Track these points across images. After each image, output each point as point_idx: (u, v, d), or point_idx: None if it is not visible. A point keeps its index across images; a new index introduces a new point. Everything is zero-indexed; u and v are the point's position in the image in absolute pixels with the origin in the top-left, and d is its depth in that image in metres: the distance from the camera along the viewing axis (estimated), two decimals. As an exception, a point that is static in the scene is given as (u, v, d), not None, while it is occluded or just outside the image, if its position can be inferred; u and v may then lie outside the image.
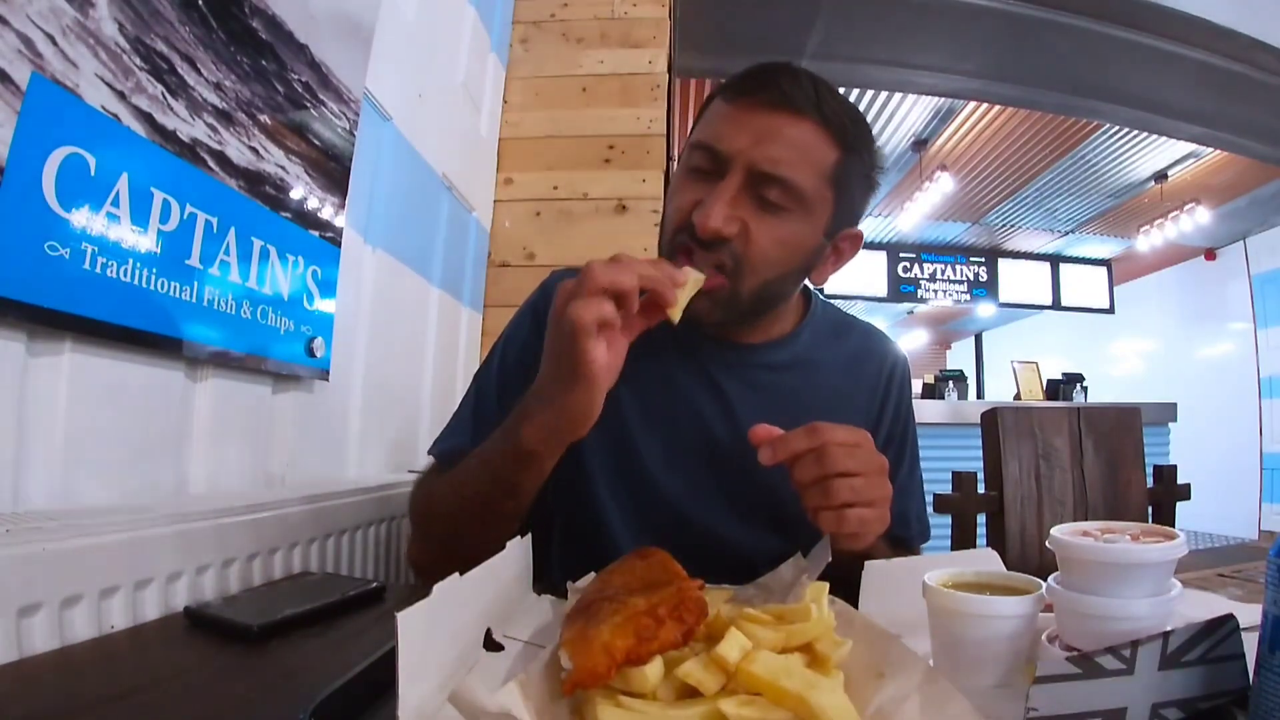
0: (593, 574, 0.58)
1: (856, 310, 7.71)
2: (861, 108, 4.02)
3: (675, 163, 2.01)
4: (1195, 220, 5.15)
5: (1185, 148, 4.29)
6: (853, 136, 0.72)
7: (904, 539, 0.84)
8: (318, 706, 0.38)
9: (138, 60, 0.71)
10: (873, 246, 6.40)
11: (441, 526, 0.75)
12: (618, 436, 0.79)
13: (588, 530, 0.81)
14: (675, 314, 0.61)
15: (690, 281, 0.62)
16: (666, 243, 0.75)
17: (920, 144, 4.48)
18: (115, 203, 0.69)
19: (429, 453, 0.84)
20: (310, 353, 1.01)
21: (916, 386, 4.77)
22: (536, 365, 0.80)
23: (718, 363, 0.82)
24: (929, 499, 0.97)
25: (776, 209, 0.70)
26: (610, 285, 0.56)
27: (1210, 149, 4.18)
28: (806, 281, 0.83)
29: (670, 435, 0.80)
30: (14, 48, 0.59)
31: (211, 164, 0.81)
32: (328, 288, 1.05)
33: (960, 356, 9.71)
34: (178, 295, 0.77)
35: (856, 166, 0.74)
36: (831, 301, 0.95)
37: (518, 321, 0.87)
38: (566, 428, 0.62)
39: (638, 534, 0.79)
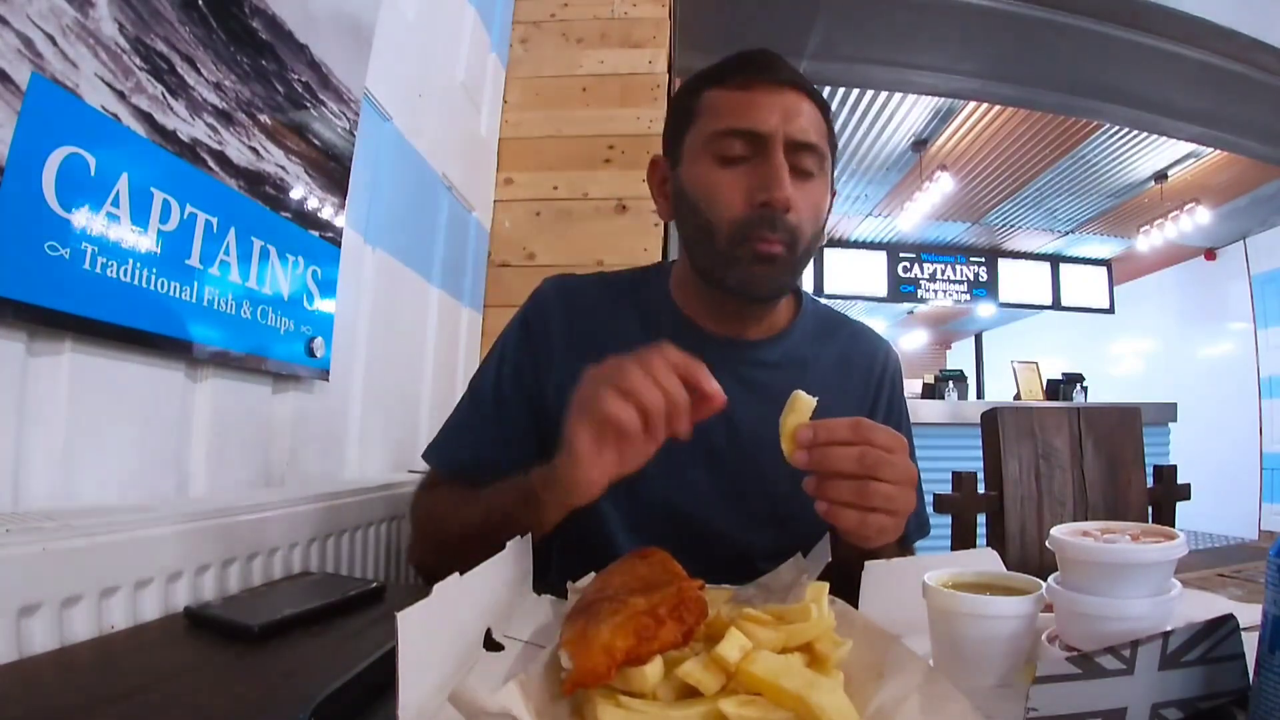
0: (593, 574, 0.58)
1: (856, 310, 7.72)
2: (861, 108, 4.05)
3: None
4: (1195, 220, 5.14)
5: (1185, 148, 4.29)
6: (826, 103, 0.80)
7: (902, 534, 0.84)
8: (318, 706, 0.38)
9: (138, 60, 0.71)
10: (873, 246, 6.40)
11: (450, 549, 0.74)
12: None
13: (587, 530, 0.81)
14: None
15: (800, 411, 0.59)
16: (728, 246, 0.76)
17: (920, 144, 4.47)
18: (115, 203, 0.69)
19: (424, 457, 0.85)
20: (310, 353, 1.01)
21: (916, 386, 4.77)
22: (531, 376, 0.82)
23: (711, 359, 0.82)
24: (929, 499, 0.97)
25: (809, 175, 0.76)
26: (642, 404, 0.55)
27: (1210, 149, 4.18)
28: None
29: None
30: (14, 48, 0.59)
31: (211, 164, 0.81)
32: (328, 288, 1.05)
33: (960, 356, 9.70)
34: (178, 295, 0.77)
35: (833, 128, 0.82)
36: (830, 302, 0.96)
37: (511, 332, 0.87)
38: (567, 496, 0.62)
39: (636, 532, 0.79)
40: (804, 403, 0.59)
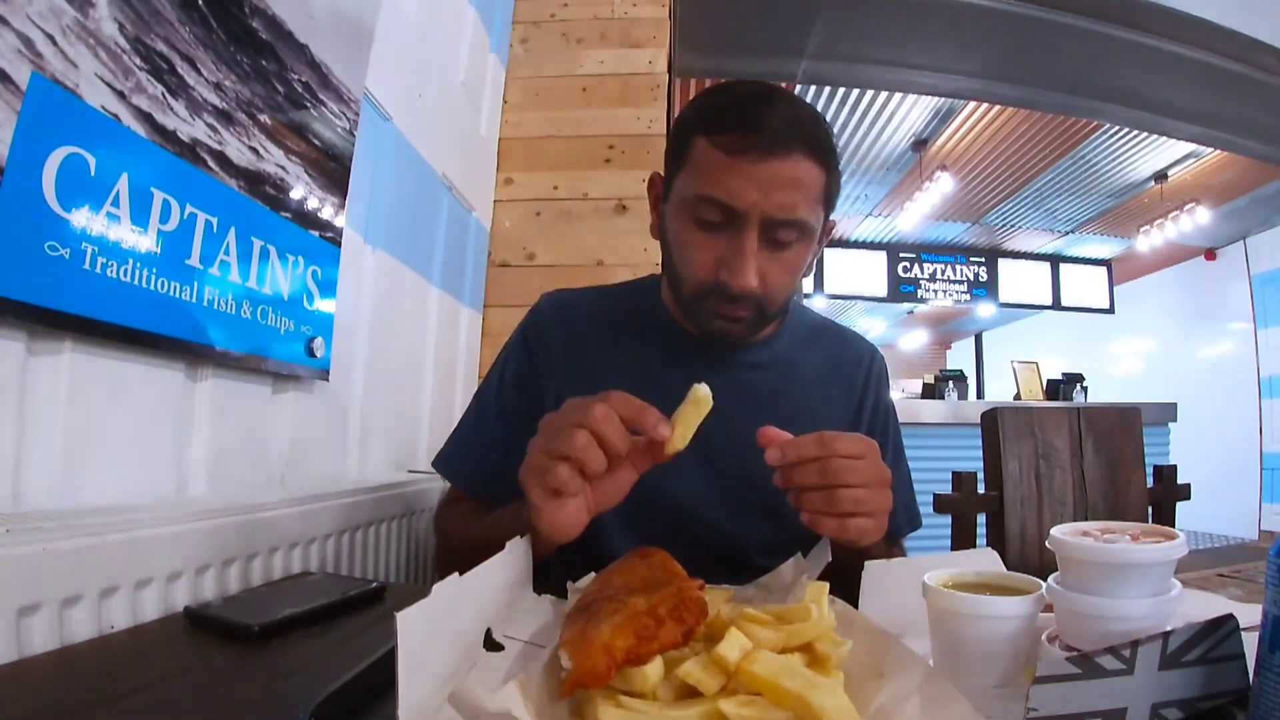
0: (593, 574, 0.58)
1: (856, 310, 7.70)
2: (861, 108, 4.05)
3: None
4: (1195, 220, 5.14)
5: (1185, 148, 4.29)
6: (829, 152, 0.74)
7: (892, 529, 0.86)
8: (318, 706, 0.38)
9: (138, 60, 0.71)
10: (873, 246, 6.40)
11: (464, 564, 0.77)
12: None
13: (587, 530, 0.82)
14: (677, 444, 0.56)
15: (697, 402, 0.57)
16: (691, 300, 0.78)
17: (920, 144, 4.48)
18: (115, 203, 0.69)
19: (434, 465, 0.90)
20: (310, 353, 1.01)
21: (916, 386, 4.78)
22: (533, 384, 0.86)
23: (703, 362, 0.85)
24: (929, 499, 0.98)
25: (786, 245, 0.74)
26: (565, 453, 0.54)
27: (1210, 149, 4.18)
28: None
29: None
30: (14, 48, 0.59)
31: (211, 164, 0.81)
32: (328, 288, 1.05)
33: (960, 356, 9.70)
34: (178, 295, 0.76)
35: (836, 177, 0.76)
36: (830, 302, 0.97)
37: (511, 347, 0.91)
38: (547, 541, 0.61)
39: (635, 532, 0.80)
40: (701, 396, 0.57)
